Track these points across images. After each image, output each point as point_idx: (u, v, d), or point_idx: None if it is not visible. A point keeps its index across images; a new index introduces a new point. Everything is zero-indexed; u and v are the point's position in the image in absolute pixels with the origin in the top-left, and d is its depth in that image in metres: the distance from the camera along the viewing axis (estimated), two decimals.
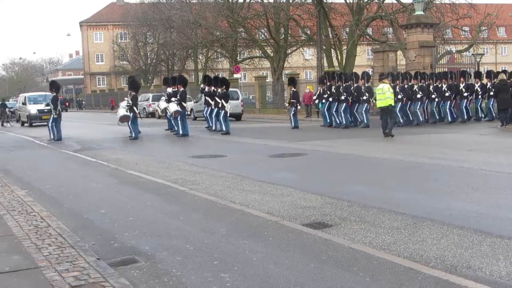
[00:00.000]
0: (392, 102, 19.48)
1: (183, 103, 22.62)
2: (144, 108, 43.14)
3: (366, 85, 24.86)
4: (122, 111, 21.95)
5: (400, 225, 6.98)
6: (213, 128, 23.85)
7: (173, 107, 22.39)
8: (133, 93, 21.95)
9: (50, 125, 21.99)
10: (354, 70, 37.91)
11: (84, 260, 5.84)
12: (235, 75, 44.63)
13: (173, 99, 22.93)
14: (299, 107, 26.29)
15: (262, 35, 49.93)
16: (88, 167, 13.92)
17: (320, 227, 6.99)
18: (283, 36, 46.64)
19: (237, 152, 16.05)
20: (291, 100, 25.76)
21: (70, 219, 8.02)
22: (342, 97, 24.33)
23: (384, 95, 19.04)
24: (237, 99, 34.74)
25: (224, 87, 23.33)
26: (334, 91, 24.71)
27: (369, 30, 42.76)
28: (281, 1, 45.11)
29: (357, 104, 24.48)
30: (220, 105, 23.02)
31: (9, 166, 14.55)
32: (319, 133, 22.03)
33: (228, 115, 23.14)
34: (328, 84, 25.25)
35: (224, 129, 22.76)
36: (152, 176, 11.65)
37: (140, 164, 13.79)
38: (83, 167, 14.02)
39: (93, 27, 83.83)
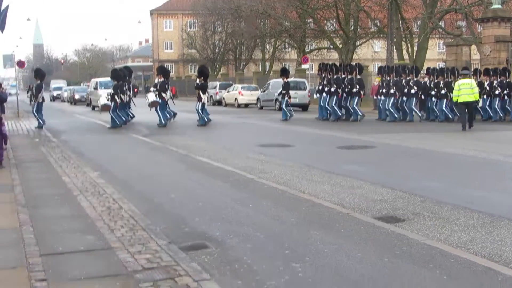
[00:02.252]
0: (478, 97, 20.20)
1: (163, 93, 21.96)
2: (211, 96, 43.48)
3: (358, 77, 24.12)
4: (103, 99, 22.02)
5: (477, 223, 6.73)
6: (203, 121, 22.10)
7: (151, 97, 22.05)
8: (115, 82, 21.81)
9: (34, 112, 21.88)
10: (424, 64, 37.13)
11: (156, 243, 5.89)
12: (303, 66, 44.39)
13: (152, 89, 22.79)
14: (291, 99, 25.22)
15: (331, 26, 49.38)
16: (158, 152, 14.11)
17: (393, 221, 6.82)
18: (352, 27, 45.98)
19: (305, 143, 15.95)
20: (282, 92, 24.81)
21: (141, 202, 8.12)
22: (332, 89, 23.75)
23: (472, 90, 19.37)
24: (304, 89, 34.55)
25: (202, 78, 22.34)
26: (326, 83, 24.13)
27: (442, 23, 41.62)
28: None
29: (349, 97, 23.90)
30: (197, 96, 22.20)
31: (82, 149, 14.90)
32: (387, 126, 21.58)
33: (205, 106, 22.20)
34: (323, 76, 24.61)
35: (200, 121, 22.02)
36: (221, 163, 11.69)
37: (209, 150, 13.85)
38: (153, 152, 14.22)
39: (163, 16, 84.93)
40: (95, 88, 38.07)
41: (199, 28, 70.69)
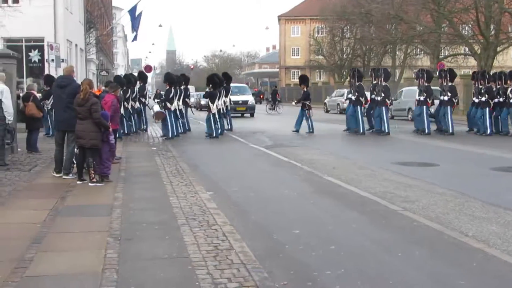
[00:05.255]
0: None
1: (168, 104, 19.17)
2: (338, 104, 41.58)
3: (383, 83, 21.27)
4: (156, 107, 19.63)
5: None
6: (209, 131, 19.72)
7: (156, 108, 19.45)
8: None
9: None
10: None
11: None
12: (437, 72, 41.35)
13: (155, 100, 20.48)
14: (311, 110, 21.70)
15: (469, 30, 45.84)
16: (280, 168, 12.47)
17: None
18: (493, 32, 42.25)
19: (449, 161, 13.66)
20: (302, 102, 21.66)
21: (257, 238, 6.50)
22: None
23: None
24: None
25: (211, 85, 19.75)
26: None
27: None
28: None
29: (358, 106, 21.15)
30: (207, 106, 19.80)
31: (198, 160, 13.63)
32: None
33: (216, 116, 19.36)
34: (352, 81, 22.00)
35: (206, 131, 19.78)
36: (354, 186, 9.84)
37: (338, 168, 12.04)
38: (274, 167, 12.60)
39: (291, 21, 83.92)
40: None
41: (327, 34, 68.94)
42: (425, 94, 20.87)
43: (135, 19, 42.48)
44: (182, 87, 21.30)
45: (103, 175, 10.10)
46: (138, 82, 21.89)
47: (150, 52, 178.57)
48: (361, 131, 20.73)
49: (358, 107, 21.11)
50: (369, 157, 14.30)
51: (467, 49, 46.07)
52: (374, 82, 21.90)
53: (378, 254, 5.87)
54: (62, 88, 10.42)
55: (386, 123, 20.79)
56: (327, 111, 42.33)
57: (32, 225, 7.03)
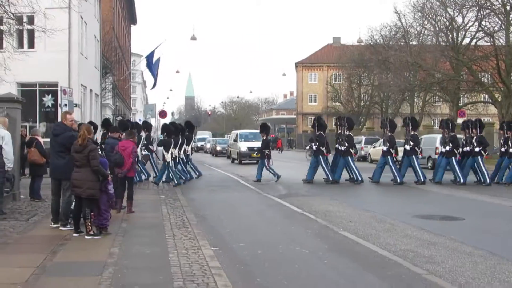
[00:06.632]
0: None
1: None
2: (356, 151, 40.72)
3: (347, 133, 20.44)
4: None
5: None
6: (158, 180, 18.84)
7: None
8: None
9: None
10: None
11: None
12: (459, 120, 40.53)
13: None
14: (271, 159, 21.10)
15: (489, 78, 45.10)
16: (293, 220, 11.65)
17: None
18: None
19: (475, 214, 12.77)
20: (263, 150, 21.15)
21: None
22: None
23: None
24: None
25: (165, 134, 19.40)
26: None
27: None
28: None
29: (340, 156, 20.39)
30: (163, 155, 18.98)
31: (206, 211, 12.89)
32: None
33: (170, 165, 18.53)
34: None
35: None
36: (372, 242, 9.01)
37: (355, 221, 11.20)
38: (287, 220, 11.79)
39: (308, 68, 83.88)
40: (235, 140, 36.84)
41: (344, 81, 68.71)
42: (388, 144, 20.16)
43: (153, 65, 42.37)
44: (143, 134, 20.49)
45: (101, 227, 9.39)
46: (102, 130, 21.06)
47: (168, 98, 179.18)
48: (309, 178, 20.01)
49: (320, 157, 20.28)
50: (388, 209, 13.44)
51: (487, 96, 45.29)
52: (338, 131, 21.28)
53: None
54: (55, 136, 9.92)
55: (356, 171, 20.23)
56: None
57: (11, 286, 6.31)
